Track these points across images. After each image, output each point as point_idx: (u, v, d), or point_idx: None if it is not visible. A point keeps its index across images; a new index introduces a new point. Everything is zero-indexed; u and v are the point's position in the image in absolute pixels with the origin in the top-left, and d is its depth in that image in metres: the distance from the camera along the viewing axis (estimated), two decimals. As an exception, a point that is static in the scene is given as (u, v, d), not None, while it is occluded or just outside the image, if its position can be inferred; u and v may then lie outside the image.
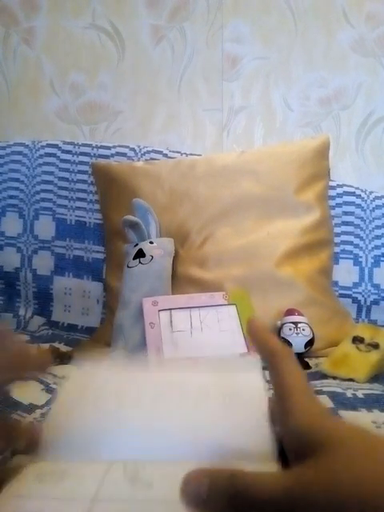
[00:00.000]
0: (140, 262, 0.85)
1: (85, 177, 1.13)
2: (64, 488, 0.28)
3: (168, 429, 0.33)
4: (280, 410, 0.27)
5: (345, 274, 1.07)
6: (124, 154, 1.13)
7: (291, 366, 0.29)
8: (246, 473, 0.23)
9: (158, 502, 0.26)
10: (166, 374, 0.40)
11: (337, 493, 0.21)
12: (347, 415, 0.49)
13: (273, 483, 0.22)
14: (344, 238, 1.08)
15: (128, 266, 0.86)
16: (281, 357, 0.29)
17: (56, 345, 0.89)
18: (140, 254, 0.86)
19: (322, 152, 1.04)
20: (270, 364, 0.29)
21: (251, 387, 0.36)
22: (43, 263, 1.11)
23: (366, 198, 1.10)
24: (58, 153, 1.13)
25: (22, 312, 1.09)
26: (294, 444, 0.25)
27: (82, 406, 0.35)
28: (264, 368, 0.32)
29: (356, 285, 1.07)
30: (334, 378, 0.66)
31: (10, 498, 0.26)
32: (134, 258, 0.86)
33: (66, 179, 1.13)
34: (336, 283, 1.06)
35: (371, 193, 1.11)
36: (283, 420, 0.26)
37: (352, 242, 1.08)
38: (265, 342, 0.31)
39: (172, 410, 0.34)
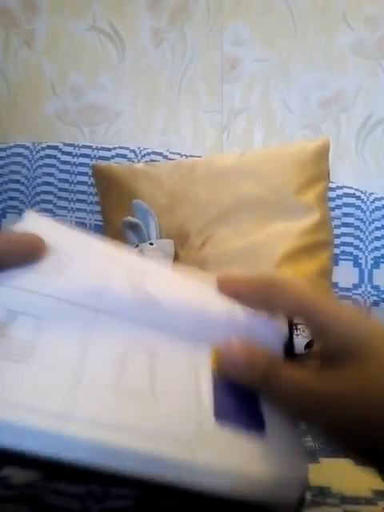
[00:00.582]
0: (140, 264, 0.85)
1: (85, 178, 1.13)
2: (64, 282, 0.23)
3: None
4: (313, 325, 0.25)
5: (345, 275, 1.07)
6: (124, 156, 1.13)
7: (294, 284, 0.26)
8: (284, 363, 0.24)
9: (157, 327, 0.24)
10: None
11: (373, 397, 0.21)
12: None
13: (311, 379, 0.23)
14: (344, 239, 1.08)
15: (128, 268, 0.86)
16: (278, 283, 0.26)
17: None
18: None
19: (322, 154, 1.04)
20: (273, 297, 0.26)
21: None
22: (43, 264, 1.11)
23: (365, 200, 1.10)
24: (59, 154, 1.14)
25: (22, 313, 1.09)
26: (332, 348, 0.24)
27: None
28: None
29: (356, 286, 1.07)
30: (334, 379, 0.66)
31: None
32: (134, 260, 0.86)
33: (67, 181, 1.13)
34: (336, 284, 1.06)
35: (371, 194, 1.11)
36: (319, 332, 0.25)
37: (352, 243, 1.08)
38: (247, 287, 0.27)
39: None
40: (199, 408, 0.22)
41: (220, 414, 0.23)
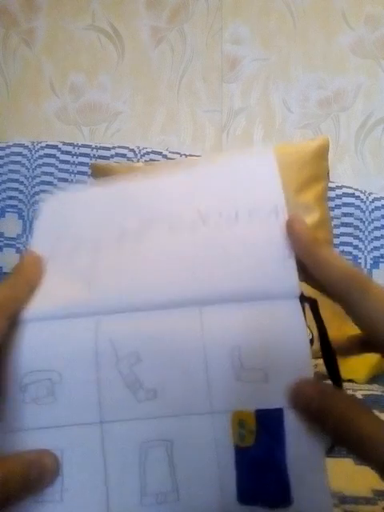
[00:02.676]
0: (139, 263, 0.85)
1: (84, 178, 1.13)
2: (63, 410, 0.24)
3: (162, 270, 0.26)
4: (351, 304, 0.26)
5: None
6: (123, 155, 1.13)
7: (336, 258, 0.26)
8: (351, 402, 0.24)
9: (166, 420, 0.24)
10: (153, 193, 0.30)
11: None
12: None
13: (372, 422, 0.23)
14: (343, 239, 1.08)
15: (127, 267, 0.86)
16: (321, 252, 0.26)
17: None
18: (139, 255, 0.86)
19: (322, 153, 1.04)
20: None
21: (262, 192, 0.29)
22: (42, 264, 1.11)
23: (365, 200, 1.10)
24: (58, 154, 1.14)
25: (21, 313, 1.09)
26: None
27: (59, 250, 0.28)
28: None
29: (355, 286, 1.07)
30: (334, 378, 0.66)
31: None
32: (134, 259, 0.86)
33: (66, 180, 1.13)
34: (335, 284, 1.06)
35: (370, 194, 1.11)
36: (359, 313, 0.26)
37: (351, 243, 1.09)
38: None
39: (161, 244, 0.27)
40: (223, 492, 0.22)
41: (244, 496, 0.23)
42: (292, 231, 0.27)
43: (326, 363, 0.27)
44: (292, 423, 0.23)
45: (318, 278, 0.26)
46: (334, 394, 0.24)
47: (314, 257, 0.26)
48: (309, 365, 0.25)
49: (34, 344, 0.24)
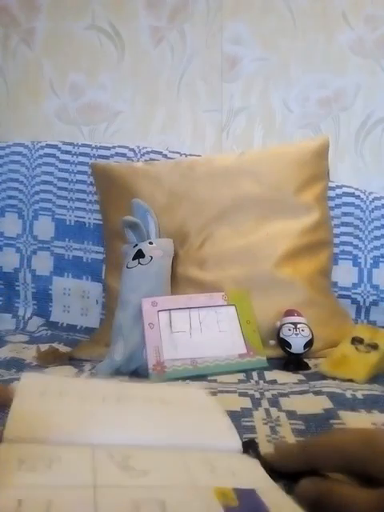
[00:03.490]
0: (139, 263, 0.85)
1: (84, 177, 1.13)
2: (58, 475, 0.27)
3: (146, 422, 0.36)
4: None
5: (344, 274, 1.07)
6: (123, 155, 1.13)
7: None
8: (345, 488, 0.29)
9: (157, 488, 0.27)
10: (112, 384, 0.45)
11: None
12: (347, 416, 0.49)
13: (366, 499, 0.27)
14: (343, 238, 1.08)
15: (127, 267, 0.86)
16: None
17: (55, 345, 0.89)
18: (139, 255, 0.86)
19: (322, 153, 1.04)
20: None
21: (201, 398, 0.43)
22: (42, 264, 1.11)
23: (365, 199, 1.10)
24: (58, 153, 1.13)
25: (21, 312, 1.09)
26: None
27: (48, 401, 0.35)
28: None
29: (355, 285, 1.07)
30: (334, 378, 0.65)
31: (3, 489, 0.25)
32: (134, 259, 0.86)
33: (66, 180, 1.13)
34: (335, 284, 1.06)
35: (370, 194, 1.11)
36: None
37: (351, 242, 1.08)
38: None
39: (142, 409, 0.38)
40: None
41: None
42: None
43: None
44: (267, 500, 0.27)
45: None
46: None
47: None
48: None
49: None
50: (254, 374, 0.71)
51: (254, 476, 0.31)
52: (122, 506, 0.24)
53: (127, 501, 0.25)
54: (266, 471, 0.32)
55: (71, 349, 0.90)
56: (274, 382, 0.67)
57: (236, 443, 0.36)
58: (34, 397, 0.36)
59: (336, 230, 1.08)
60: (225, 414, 0.40)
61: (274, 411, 0.52)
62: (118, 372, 0.74)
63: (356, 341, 0.70)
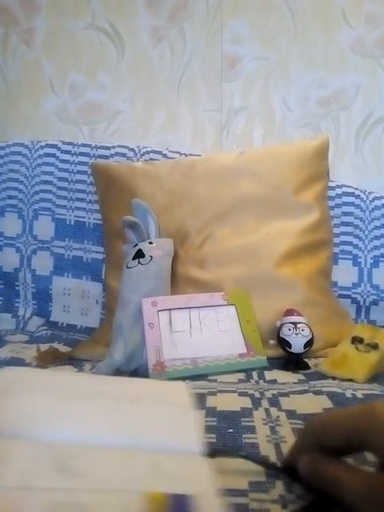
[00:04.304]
0: (139, 263, 0.85)
1: (84, 177, 1.13)
2: None
3: (104, 420, 0.36)
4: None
5: (344, 274, 1.07)
6: (123, 155, 1.13)
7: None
8: (340, 468, 0.30)
9: (85, 491, 0.27)
10: (91, 380, 0.46)
11: None
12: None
13: (356, 481, 0.28)
14: (343, 238, 1.08)
15: (127, 267, 0.86)
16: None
17: (55, 345, 0.89)
18: (139, 255, 0.86)
19: (322, 152, 1.04)
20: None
21: (178, 395, 0.43)
22: (42, 263, 1.11)
23: (365, 199, 1.10)
24: (58, 153, 1.13)
25: (21, 312, 1.09)
26: None
27: (14, 394, 0.35)
28: None
29: (355, 285, 1.07)
30: (334, 378, 0.65)
31: None
32: (134, 259, 0.86)
33: (66, 179, 1.13)
34: (335, 283, 1.06)
35: (370, 193, 1.11)
36: None
37: (351, 242, 1.08)
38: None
39: (106, 406, 0.38)
40: None
41: None
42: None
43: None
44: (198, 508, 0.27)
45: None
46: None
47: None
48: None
49: None
50: (254, 374, 0.71)
51: (199, 481, 0.31)
52: (40, 509, 0.25)
53: (47, 504, 0.25)
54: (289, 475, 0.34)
55: (71, 349, 0.90)
56: (273, 381, 0.67)
57: (196, 445, 0.35)
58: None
59: (336, 230, 1.08)
60: (195, 414, 0.41)
61: (273, 411, 0.52)
62: (118, 372, 0.74)
63: (356, 340, 0.70)
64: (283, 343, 0.78)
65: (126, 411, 0.38)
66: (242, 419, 0.49)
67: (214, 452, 0.36)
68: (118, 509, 0.26)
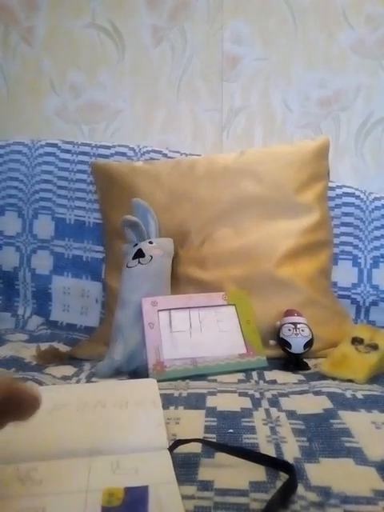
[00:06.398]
0: (139, 262, 0.85)
1: (84, 176, 1.12)
2: None
3: (66, 431, 0.39)
4: None
5: (344, 274, 1.07)
6: (123, 154, 1.13)
7: None
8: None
9: (45, 495, 0.30)
10: (56, 392, 0.49)
11: None
12: (347, 416, 0.49)
13: None
14: (343, 238, 1.08)
15: (127, 266, 0.86)
16: None
17: (55, 344, 0.89)
18: (139, 254, 0.86)
19: (322, 153, 1.04)
20: None
21: (144, 395, 0.46)
22: (42, 263, 1.11)
23: (365, 199, 1.10)
24: (58, 152, 1.13)
25: (20, 311, 1.09)
26: None
27: None
28: None
29: (355, 286, 1.07)
30: (334, 378, 0.65)
31: None
32: (134, 258, 0.86)
33: (66, 179, 1.12)
34: (335, 284, 1.06)
35: (370, 194, 1.11)
36: None
37: (351, 242, 1.09)
38: None
39: (68, 417, 0.41)
40: None
41: None
42: None
43: None
44: (155, 496, 0.30)
45: None
46: None
47: None
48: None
49: None
50: (254, 374, 0.71)
51: (158, 472, 0.34)
52: None
53: (10, 510, 0.28)
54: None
55: (71, 348, 0.90)
56: (273, 381, 0.67)
57: (159, 441, 0.38)
58: None
59: (336, 230, 1.08)
60: (159, 412, 0.43)
61: (273, 411, 0.52)
62: (117, 371, 0.74)
63: (356, 341, 0.70)
64: (283, 343, 0.78)
65: (87, 419, 0.42)
66: (242, 419, 0.49)
67: (175, 444, 0.38)
68: (77, 508, 0.29)
